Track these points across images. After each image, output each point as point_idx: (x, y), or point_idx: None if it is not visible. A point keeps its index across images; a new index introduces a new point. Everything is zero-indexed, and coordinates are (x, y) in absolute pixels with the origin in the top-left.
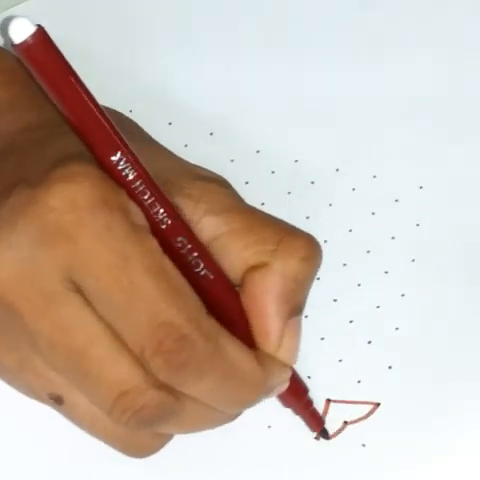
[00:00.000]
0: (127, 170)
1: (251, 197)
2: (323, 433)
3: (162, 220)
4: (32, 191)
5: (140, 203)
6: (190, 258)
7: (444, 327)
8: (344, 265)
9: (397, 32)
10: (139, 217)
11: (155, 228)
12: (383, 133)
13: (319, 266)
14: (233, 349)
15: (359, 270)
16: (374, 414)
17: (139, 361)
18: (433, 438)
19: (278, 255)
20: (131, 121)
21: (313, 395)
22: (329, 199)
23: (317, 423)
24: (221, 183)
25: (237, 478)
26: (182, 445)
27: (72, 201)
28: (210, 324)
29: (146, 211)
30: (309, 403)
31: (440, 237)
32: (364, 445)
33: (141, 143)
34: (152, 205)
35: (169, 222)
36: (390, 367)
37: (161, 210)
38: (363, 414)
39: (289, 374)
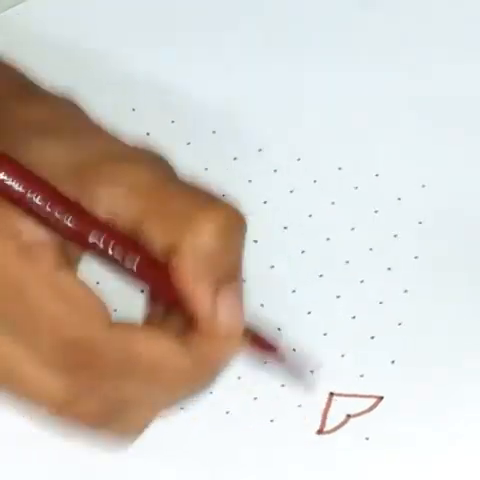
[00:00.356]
0: (15, 184)
1: (254, 195)
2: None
3: (68, 220)
4: None
5: (38, 213)
6: (109, 250)
7: (446, 322)
8: (347, 262)
9: (397, 32)
10: (34, 233)
11: (63, 230)
12: (385, 132)
13: (239, 231)
14: (149, 346)
15: (362, 267)
16: (377, 408)
17: (66, 375)
18: (436, 431)
19: (189, 234)
20: (71, 104)
21: (317, 389)
22: (332, 197)
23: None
24: (148, 162)
25: (240, 471)
26: (183, 438)
27: None
28: (117, 331)
29: (48, 217)
30: (282, 358)
31: (442, 235)
32: (367, 438)
33: (76, 129)
34: (53, 210)
35: (75, 220)
36: (393, 361)
37: (63, 210)
38: (366, 407)
39: (237, 340)
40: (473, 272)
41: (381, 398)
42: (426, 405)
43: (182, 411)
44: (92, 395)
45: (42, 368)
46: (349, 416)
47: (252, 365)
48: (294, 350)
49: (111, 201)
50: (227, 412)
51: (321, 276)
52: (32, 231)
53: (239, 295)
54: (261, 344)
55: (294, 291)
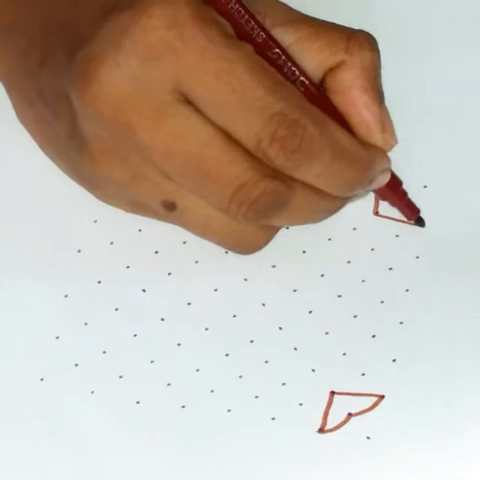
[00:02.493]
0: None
1: None
2: (419, 221)
3: (258, 35)
4: (132, 13)
5: (236, 20)
6: (286, 68)
7: (447, 321)
8: (348, 262)
9: (397, 32)
10: (230, 29)
11: (253, 43)
12: None
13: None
14: (339, 132)
15: (363, 266)
16: (378, 407)
17: (252, 156)
18: (437, 430)
19: (351, 50)
20: None
21: (317, 388)
22: None
23: (413, 211)
24: None
25: (240, 470)
26: (184, 436)
27: (173, 19)
28: (316, 110)
29: (243, 28)
30: (404, 194)
31: (443, 235)
32: (369, 437)
33: None
34: (247, 22)
35: (263, 36)
36: (394, 360)
37: (255, 25)
38: (367, 406)
39: (390, 162)
40: (474, 272)
41: (382, 397)
42: (427, 404)
43: (183, 409)
44: (277, 176)
45: (235, 148)
46: (350, 415)
47: (253, 364)
48: (295, 349)
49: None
50: (228, 410)
51: (323, 276)
52: (229, 26)
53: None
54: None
55: (295, 290)
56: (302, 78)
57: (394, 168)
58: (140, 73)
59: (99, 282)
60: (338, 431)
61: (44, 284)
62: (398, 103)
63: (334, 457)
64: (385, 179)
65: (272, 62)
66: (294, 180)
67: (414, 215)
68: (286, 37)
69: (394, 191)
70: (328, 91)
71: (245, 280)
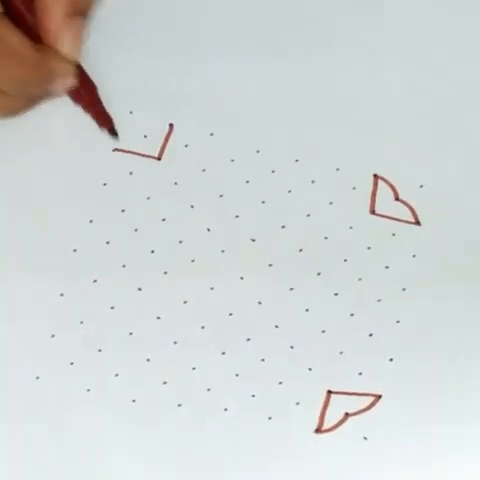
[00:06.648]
0: None
1: (252, 195)
2: (112, 132)
3: None
4: None
5: None
6: None
7: (444, 320)
8: (345, 261)
9: (397, 32)
10: None
11: None
12: (383, 132)
13: None
14: (9, 34)
15: (360, 265)
16: (375, 407)
17: None
18: (434, 430)
19: None
20: None
21: (314, 387)
22: (330, 198)
23: (105, 120)
24: None
25: (237, 469)
26: (181, 435)
27: None
28: None
29: None
30: (98, 101)
31: (440, 234)
32: (366, 437)
33: None
34: None
35: None
36: (391, 359)
37: None
38: (364, 406)
39: (72, 69)
40: (470, 270)
41: (379, 397)
42: (424, 403)
43: (180, 408)
44: None
45: None
46: (347, 415)
47: (249, 362)
48: (292, 348)
49: None
50: (225, 409)
51: (319, 274)
52: None
53: (83, 31)
54: (84, 81)
55: (292, 289)
56: None
57: (392, 167)
58: None
59: (95, 281)
60: (335, 431)
61: (40, 283)
62: (397, 103)
63: (331, 458)
64: (67, 83)
65: None
66: None
67: (107, 125)
68: None
69: (85, 96)
70: None
71: (241, 278)
